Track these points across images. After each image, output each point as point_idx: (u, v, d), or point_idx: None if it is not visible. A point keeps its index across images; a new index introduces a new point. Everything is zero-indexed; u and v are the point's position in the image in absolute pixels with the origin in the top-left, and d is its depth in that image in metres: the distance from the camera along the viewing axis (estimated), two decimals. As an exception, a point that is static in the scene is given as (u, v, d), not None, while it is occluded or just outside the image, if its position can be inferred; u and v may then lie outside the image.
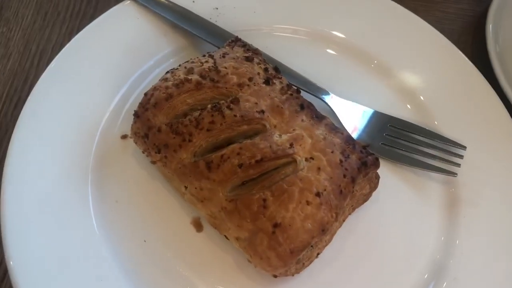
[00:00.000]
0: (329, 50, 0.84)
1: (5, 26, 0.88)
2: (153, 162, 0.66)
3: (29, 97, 0.70)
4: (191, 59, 0.69)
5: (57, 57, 0.74)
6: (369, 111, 0.77)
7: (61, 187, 0.65)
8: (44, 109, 0.70)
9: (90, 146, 0.70)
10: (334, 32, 0.84)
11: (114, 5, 0.81)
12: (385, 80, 0.81)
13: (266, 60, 0.71)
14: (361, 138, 0.74)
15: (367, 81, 0.81)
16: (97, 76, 0.75)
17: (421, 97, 0.79)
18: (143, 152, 0.67)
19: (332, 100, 0.76)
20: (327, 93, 0.76)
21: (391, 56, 0.82)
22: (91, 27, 0.78)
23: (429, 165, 0.72)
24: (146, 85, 0.76)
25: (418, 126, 0.76)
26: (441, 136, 0.74)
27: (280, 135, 0.61)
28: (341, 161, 0.60)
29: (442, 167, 0.72)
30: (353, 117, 0.76)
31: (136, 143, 0.67)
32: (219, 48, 0.73)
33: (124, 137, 0.72)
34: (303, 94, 0.68)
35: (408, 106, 0.79)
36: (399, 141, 0.74)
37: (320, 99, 0.75)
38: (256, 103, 0.63)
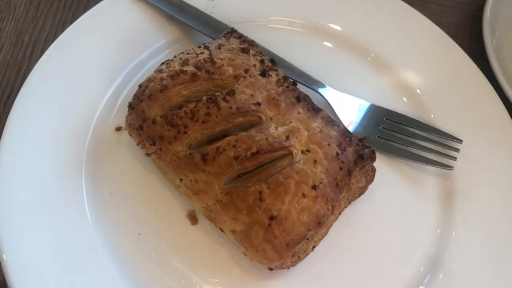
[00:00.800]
0: (325, 43, 0.83)
1: (-3, 17, 0.87)
2: (148, 155, 0.66)
3: (21, 89, 0.69)
4: (186, 50, 0.68)
5: (50, 48, 0.73)
6: (365, 104, 0.76)
7: (55, 180, 0.65)
8: (37, 101, 0.69)
9: (84, 138, 0.69)
10: (331, 25, 0.84)
11: (108, -5, 0.80)
12: (382, 73, 0.81)
13: (262, 52, 0.70)
14: (358, 131, 0.74)
15: (364, 74, 0.81)
16: (91, 67, 0.74)
17: (418, 91, 0.79)
18: (137, 144, 0.66)
19: (329, 93, 0.75)
20: (323, 86, 0.76)
21: (388, 49, 0.82)
22: (85, 17, 0.77)
23: (425, 159, 0.72)
24: (140, 76, 0.75)
25: (414, 119, 0.75)
26: (437, 129, 0.74)
27: (276, 128, 0.61)
28: (337, 153, 0.60)
29: (438, 160, 0.72)
30: (350, 110, 0.75)
31: (130, 135, 0.67)
32: (214, 39, 0.72)
33: (118, 129, 0.71)
34: (299, 86, 0.68)
35: (405, 99, 0.79)
36: (395, 134, 0.74)
37: (317, 91, 0.75)
38: (252, 95, 0.62)
